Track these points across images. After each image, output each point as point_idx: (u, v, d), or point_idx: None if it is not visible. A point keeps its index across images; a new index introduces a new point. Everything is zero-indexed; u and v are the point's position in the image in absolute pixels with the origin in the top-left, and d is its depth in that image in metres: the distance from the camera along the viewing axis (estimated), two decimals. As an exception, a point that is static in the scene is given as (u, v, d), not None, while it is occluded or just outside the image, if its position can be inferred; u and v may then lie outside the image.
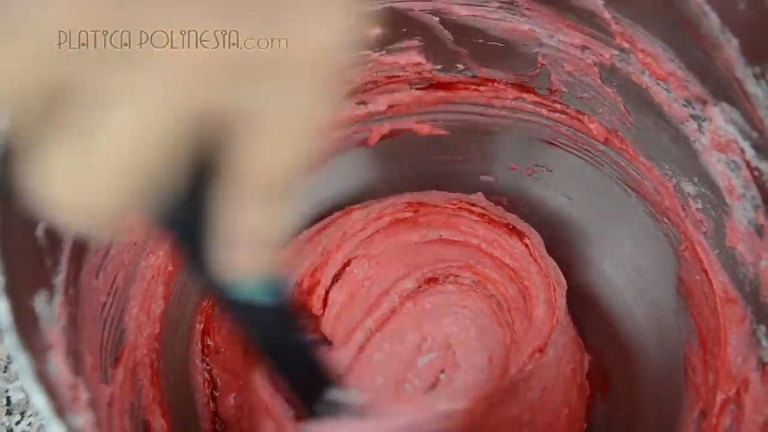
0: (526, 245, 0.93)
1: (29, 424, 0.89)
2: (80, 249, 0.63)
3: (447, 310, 0.92)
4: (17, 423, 0.89)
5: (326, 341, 0.78)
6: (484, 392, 0.83)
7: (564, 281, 0.90)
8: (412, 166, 0.97)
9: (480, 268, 0.93)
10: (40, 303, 0.54)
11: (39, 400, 0.46)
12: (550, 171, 0.94)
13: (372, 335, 0.90)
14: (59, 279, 0.58)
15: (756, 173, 0.64)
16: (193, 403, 0.86)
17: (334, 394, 0.61)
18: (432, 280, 0.94)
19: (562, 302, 0.89)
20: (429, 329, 0.91)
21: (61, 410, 0.48)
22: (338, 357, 0.86)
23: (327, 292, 0.93)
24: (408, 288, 0.92)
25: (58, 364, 0.53)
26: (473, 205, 0.97)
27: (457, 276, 0.94)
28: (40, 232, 0.55)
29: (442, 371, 0.89)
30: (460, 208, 0.97)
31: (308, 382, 0.60)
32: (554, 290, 0.89)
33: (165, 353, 0.81)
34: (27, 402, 0.90)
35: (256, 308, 0.48)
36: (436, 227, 0.96)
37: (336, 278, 0.94)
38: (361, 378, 0.88)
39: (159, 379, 0.79)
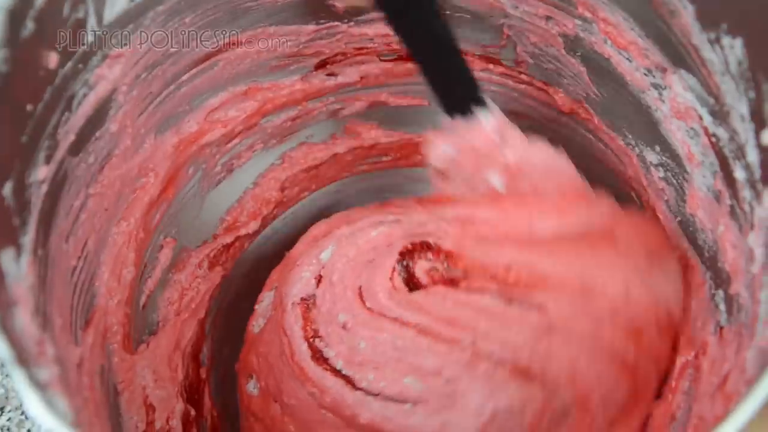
0: None
1: (9, 419, 0.90)
2: (49, 212, 0.64)
3: None
4: (-4, 418, 0.90)
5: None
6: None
7: None
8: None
9: None
10: (6, 259, 0.54)
11: (2, 349, 0.47)
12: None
13: None
14: (27, 239, 0.59)
15: (713, 139, 0.65)
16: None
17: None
18: None
19: None
20: None
21: (25, 361, 0.49)
22: None
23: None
24: None
25: (25, 320, 0.54)
26: None
27: None
28: (6, 191, 0.56)
29: None
30: None
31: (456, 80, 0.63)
32: None
33: (136, 319, 0.82)
34: (6, 397, 0.91)
35: None
36: None
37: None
38: None
39: (130, 344, 0.80)
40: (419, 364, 0.80)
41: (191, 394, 0.89)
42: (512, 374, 0.76)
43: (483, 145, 0.68)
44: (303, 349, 0.86)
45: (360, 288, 0.88)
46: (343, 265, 0.90)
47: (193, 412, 0.87)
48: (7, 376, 0.92)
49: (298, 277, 0.91)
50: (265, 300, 0.95)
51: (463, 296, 0.83)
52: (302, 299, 0.90)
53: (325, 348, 0.85)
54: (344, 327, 0.86)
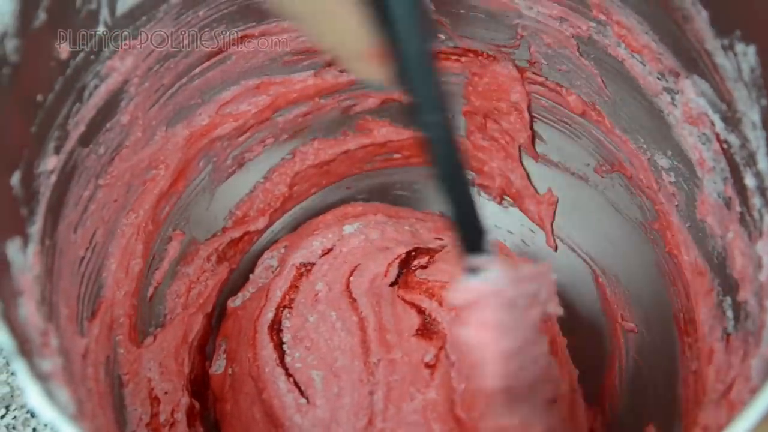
0: None
1: (14, 417, 0.90)
2: (58, 203, 0.64)
3: None
4: (2, 417, 0.90)
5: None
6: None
7: None
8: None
9: None
10: (13, 249, 0.54)
11: (4, 339, 0.47)
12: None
13: None
14: (35, 229, 0.59)
15: (725, 146, 0.65)
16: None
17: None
18: None
19: None
20: None
21: (27, 352, 0.49)
22: None
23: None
24: None
25: (30, 310, 0.54)
26: None
27: None
28: (15, 181, 0.56)
29: None
30: None
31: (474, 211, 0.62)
32: None
33: (143, 311, 0.82)
34: (11, 395, 0.91)
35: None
36: None
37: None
38: None
39: (136, 336, 0.80)
40: (333, 361, 0.88)
41: (196, 387, 0.89)
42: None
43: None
44: (268, 317, 0.91)
45: (356, 267, 0.94)
46: (359, 242, 0.96)
47: (197, 406, 0.87)
48: (12, 374, 0.92)
49: (308, 243, 0.96)
50: (259, 268, 0.98)
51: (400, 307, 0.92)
52: (301, 264, 0.95)
53: (285, 318, 0.91)
54: (315, 296, 0.92)
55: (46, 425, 0.89)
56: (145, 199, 0.80)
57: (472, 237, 0.62)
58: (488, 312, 0.63)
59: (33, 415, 0.90)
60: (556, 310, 0.69)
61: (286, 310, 0.91)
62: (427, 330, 0.90)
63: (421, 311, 0.92)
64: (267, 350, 0.88)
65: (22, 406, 0.91)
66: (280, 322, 0.91)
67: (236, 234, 0.95)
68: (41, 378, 0.48)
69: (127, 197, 0.78)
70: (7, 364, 0.92)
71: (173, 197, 0.85)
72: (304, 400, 0.86)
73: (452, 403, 0.84)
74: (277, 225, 1.01)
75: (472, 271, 0.62)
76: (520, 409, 0.68)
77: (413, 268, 0.95)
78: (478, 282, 0.62)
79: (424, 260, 0.95)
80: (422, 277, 0.94)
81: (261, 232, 0.98)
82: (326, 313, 0.91)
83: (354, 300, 0.92)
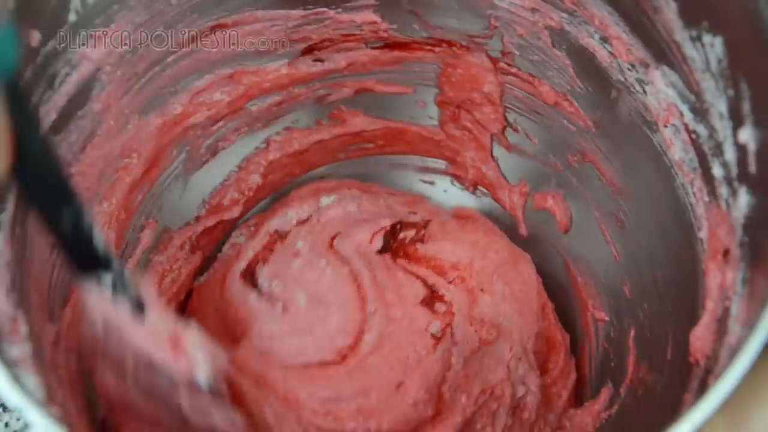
0: None
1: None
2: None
3: None
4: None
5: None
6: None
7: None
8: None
9: None
10: (-19, 235, 0.54)
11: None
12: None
13: None
14: (5, 216, 0.59)
15: (693, 136, 0.66)
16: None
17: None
18: None
19: None
20: None
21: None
22: None
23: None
24: None
25: (-1, 296, 0.54)
26: None
27: None
28: (-17, 167, 0.56)
29: None
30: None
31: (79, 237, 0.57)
32: None
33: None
34: None
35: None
36: None
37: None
38: None
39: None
40: (323, 294, 0.87)
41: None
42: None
43: None
44: (240, 265, 0.92)
45: (338, 233, 0.93)
46: (337, 213, 0.96)
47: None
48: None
49: (283, 213, 0.96)
50: (227, 246, 0.99)
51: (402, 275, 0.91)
52: (275, 231, 0.95)
53: (260, 268, 0.91)
54: (296, 252, 0.91)
55: (18, 419, 0.88)
56: (118, 188, 0.80)
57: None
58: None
59: (5, 410, 0.89)
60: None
61: (260, 263, 0.91)
62: (433, 303, 0.90)
63: (427, 285, 0.91)
64: (237, 284, 0.89)
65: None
66: (253, 273, 0.91)
67: (210, 223, 0.95)
68: (9, 364, 0.48)
69: (100, 185, 0.78)
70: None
71: (146, 186, 0.85)
72: (280, 307, 0.87)
73: (443, 379, 0.84)
74: (251, 214, 1.00)
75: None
76: None
77: (406, 240, 0.95)
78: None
79: (411, 233, 0.96)
80: (429, 253, 0.94)
81: (235, 220, 0.98)
82: (313, 261, 0.90)
83: (343, 257, 0.91)
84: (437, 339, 0.85)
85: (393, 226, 0.95)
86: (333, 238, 0.93)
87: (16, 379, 0.47)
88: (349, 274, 0.89)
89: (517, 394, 0.86)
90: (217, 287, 0.91)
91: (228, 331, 0.88)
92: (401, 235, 0.95)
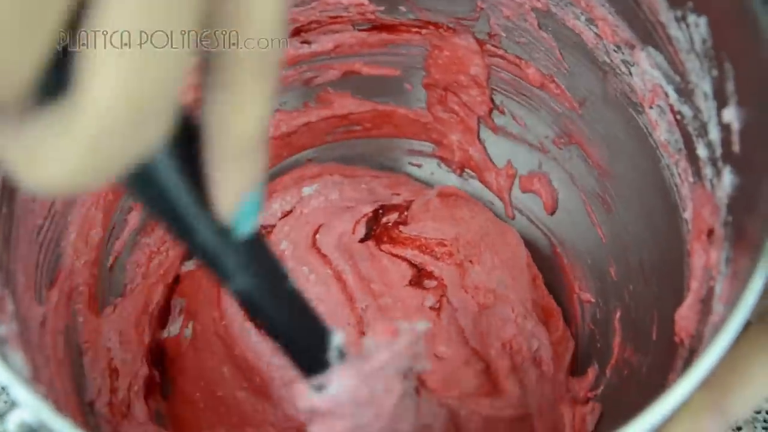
0: None
1: None
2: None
3: None
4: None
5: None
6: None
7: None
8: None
9: None
10: (-33, 214, 0.54)
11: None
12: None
13: None
14: (-9, 196, 0.59)
15: (678, 117, 0.66)
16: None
17: (331, 342, 0.58)
18: None
19: None
20: None
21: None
22: None
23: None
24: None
25: (-15, 275, 0.54)
26: None
27: None
28: (-30, 146, 0.56)
29: None
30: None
31: (309, 334, 0.57)
32: None
33: (102, 281, 0.82)
34: None
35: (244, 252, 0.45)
36: None
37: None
38: None
39: (96, 305, 0.80)
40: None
41: (156, 357, 0.89)
42: None
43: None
44: None
45: (320, 226, 0.95)
46: (319, 203, 0.97)
47: (157, 377, 0.87)
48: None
49: (267, 206, 0.97)
50: None
51: (387, 260, 0.93)
52: (262, 226, 0.95)
53: None
54: (281, 255, 0.92)
55: (6, 402, 0.88)
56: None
57: (310, 363, 0.58)
58: (335, 421, 0.60)
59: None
60: (424, 367, 0.69)
61: None
62: (422, 281, 0.91)
63: (413, 265, 0.93)
64: (234, 307, 0.89)
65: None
66: None
67: (199, 204, 0.94)
68: (-5, 341, 0.48)
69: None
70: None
71: (134, 167, 0.84)
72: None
73: (464, 337, 0.86)
74: (240, 196, 1.00)
75: (317, 387, 0.59)
76: None
77: (389, 224, 0.96)
78: (322, 398, 0.59)
79: (394, 216, 0.97)
80: (413, 234, 0.95)
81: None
82: (296, 269, 0.91)
83: (324, 255, 0.93)
84: (437, 310, 0.86)
85: (375, 212, 0.97)
86: (316, 233, 0.94)
87: (3, 357, 0.47)
88: (332, 276, 0.91)
89: (532, 347, 0.87)
90: (213, 292, 0.92)
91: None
92: (384, 219, 0.96)
